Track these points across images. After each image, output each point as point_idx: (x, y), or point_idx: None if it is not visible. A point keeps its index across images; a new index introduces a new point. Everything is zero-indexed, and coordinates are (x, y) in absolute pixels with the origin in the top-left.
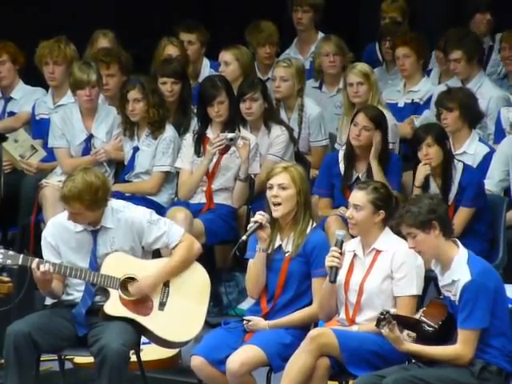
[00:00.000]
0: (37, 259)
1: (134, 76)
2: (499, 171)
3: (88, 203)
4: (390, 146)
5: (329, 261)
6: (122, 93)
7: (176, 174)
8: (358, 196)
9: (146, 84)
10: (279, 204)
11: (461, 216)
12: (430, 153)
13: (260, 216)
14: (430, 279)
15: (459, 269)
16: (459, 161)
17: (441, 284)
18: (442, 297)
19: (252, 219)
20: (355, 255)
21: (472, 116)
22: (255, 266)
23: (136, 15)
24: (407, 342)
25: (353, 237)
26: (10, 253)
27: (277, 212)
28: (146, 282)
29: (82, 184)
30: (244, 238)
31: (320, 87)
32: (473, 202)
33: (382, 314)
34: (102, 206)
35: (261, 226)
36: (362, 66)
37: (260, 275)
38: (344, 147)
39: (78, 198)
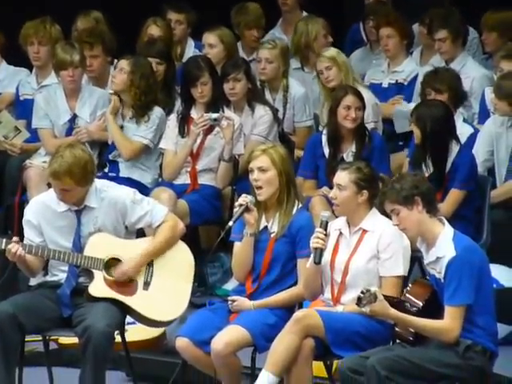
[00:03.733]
0: (15, 239)
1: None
2: (483, 151)
3: (78, 177)
4: (372, 125)
5: (314, 242)
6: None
7: (160, 154)
8: (341, 176)
9: (140, 65)
10: (261, 187)
11: (451, 198)
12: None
13: (244, 198)
14: (414, 260)
15: (444, 245)
16: (459, 142)
17: (426, 262)
18: (427, 277)
19: (236, 203)
20: (341, 233)
21: (458, 97)
22: (243, 250)
23: None
24: (394, 309)
25: (337, 217)
26: None
27: (260, 196)
28: (129, 265)
29: (71, 158)
30: (230, 223)
31: (302, 68)
32: (464, 184)
33: (362, 292)
34: (90, 181)
35: (247, 209)
36: (327, 52)
37: (247, 259)
38: (325, 131)
39: (68, 172)
